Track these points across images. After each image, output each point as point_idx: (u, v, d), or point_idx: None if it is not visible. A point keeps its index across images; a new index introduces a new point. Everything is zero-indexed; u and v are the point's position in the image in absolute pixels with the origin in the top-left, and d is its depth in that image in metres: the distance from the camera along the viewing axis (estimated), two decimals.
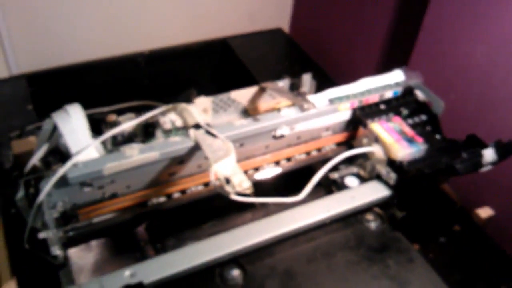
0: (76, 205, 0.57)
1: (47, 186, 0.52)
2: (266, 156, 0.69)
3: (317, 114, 0.67)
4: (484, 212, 0.77)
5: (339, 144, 0.75)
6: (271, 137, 0.67)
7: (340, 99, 0.70)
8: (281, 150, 0.70)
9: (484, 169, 0.61)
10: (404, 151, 0.65)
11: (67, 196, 0.55)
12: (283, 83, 0.78)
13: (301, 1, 1.22)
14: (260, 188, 0.57)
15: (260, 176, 0.68)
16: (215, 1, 1.16)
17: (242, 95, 0.75)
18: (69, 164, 0.53)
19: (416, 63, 0.89)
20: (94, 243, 0.60)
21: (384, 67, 0.83)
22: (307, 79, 0.80)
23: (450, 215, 0.75)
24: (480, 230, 0.73)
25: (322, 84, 0.78)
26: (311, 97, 0.69)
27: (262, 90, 0.75)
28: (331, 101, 0.69)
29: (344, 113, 0.71)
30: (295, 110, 0.67)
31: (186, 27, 1.12)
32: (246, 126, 0.63)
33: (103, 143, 0.60)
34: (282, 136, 0.67)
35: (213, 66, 1.11)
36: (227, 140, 0.58)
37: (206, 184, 0.65)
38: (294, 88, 0.79)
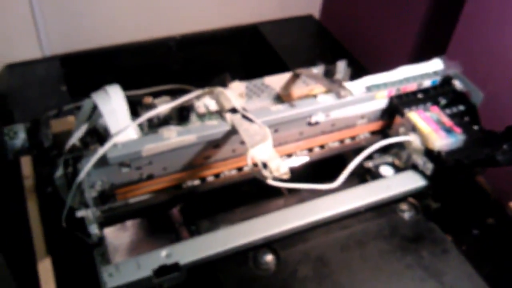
0: (114, 185, 0.57)
1: (88, 165, 0.52)
2: (300, 143, 0.68)
3: (353, 101, 0.66)
4: None
5: (373, 133, 0.74)
6: (306, 124, 0.66)
7: (377, 86, 0.68)
8: (315, 137, 0.69)
9: None
10: (442, 141, 0.63)
11: (105, 176, 0.56)
12: (317, 70, 0.77)
13: None
14: (293, 175, 0.56)
15: (293, 162, 0.68)
16: None
17: (276, 81, 0.74)
18: (109, 144, 0.53)
19: (454, 52, 0.87)
20: (129, 223, 0.61)
21: (419, 56, 0.81)
22: (341, 66, 0.79)
23: (484, 207, 0.73)
24: None
25: (355, 72, 0.77)
26: (348, 84, 0.68)
27: (296, 76, 0.74)
28: (368, 88, 0.68)
29: (380, 101, 0.70)
30: (332, 97, 0.66)
31: (216, 12, 1.11)
32: (282, 111, 0.62)
33: (139, 125, 0.60)
34: (317, 123, 0.67)
35: (244, 52, 1.11)
36: (264, 125, 0.58)
37: (240, 169, 0.65)
38: (329, 75, 0.78)
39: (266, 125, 0.59)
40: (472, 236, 0.71)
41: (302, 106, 0.63)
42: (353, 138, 0.73)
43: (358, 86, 0.68)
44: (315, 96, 0.67)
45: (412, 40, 0.99)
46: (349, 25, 1.14)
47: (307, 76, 0.72)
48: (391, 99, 0.70)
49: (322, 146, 0.71)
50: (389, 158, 0.70)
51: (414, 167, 0.67)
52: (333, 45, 1.07)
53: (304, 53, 1.04)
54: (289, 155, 0.69)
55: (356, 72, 0.76)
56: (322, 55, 1.03)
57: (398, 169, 0.69)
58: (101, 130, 0.59)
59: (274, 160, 0.54)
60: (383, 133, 0.73)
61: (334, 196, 0.62)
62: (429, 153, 0.64)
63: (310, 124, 0.66)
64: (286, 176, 0.53)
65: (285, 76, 0.74)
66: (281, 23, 1.11)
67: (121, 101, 0.56)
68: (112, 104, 0.57)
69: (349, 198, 0.62)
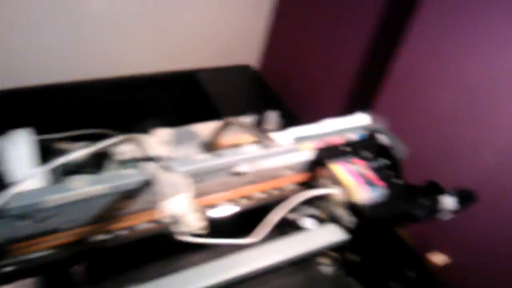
0: (10, 239, 0.51)
1: None
2: (225, 193, 0.66)
3: (279, 152, 0.66)
4: (440, 258, 0.77)
5: (300, 184, 0.73)
6: (231, 174, 0.64)
7: (304, 138, 0.69)
8: (241, 187, 0.67)
9: (446, 217, 0.60)
10: (364, 195, 0.64)
11: (1, 228, 0.50)
12: (248, 119, 0.77)
13: (273, 39, 1.24)
14: (215, 226, 0.53)
15: (216, 214, 0.65)
16: (186, 33, 1.16)
17: (205, 129, 0.73)
18: (5, 194, 0.48)
19: (381, 107, 0.90)
20: (27, 282, 0.55)
21: (348, 110, 0.83)
22: (272, 117, 0.79)
23: (403, 259, 0.74)
24: (435, 277, 0.72)
25: (287, 123, 0.77)
26: (275, 135, 0.67)
27: (225, 125, 0.73)
28: (296, 139, 0.68)
29: (307, 153, 0.70)
30: (257, 147, 0.65)
31: (153, 56, 1.11)
32: (206, 161, 0.60)
33: (53, 171, 0.55)
34: (242, 174, 0.65)
35: (178, 98, 1.09)
36: (184, 175, 0.56)
37: (156, 222, 0.61)
38: (259, 124, 0.78)
39: (189, 175, 0.56)
40: None
41: (226, 156, 0.62)
42: (279, 188, 0.71)
43: (285, 137, 0.68)
44: (241, 146, 0.66)
45: (343, 95, 1.03)
46: (286, 78, 1.18)
47: (236, 125, 0.71)
48: (318, 151, 0.70)
49: (248, 197, 0.69)
50: (312, 210, 0.69)
51: (336, 220, 0.66)
52: (268, 95, 1.09)
53: (239, 102, 1.04)
54: (213, 206, 0.66)
55: (289, 123, 0.77)
56: (257, 105, 1.04)
57: (321, 221, 0.68)
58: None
59: (191, 214, 0.51)
60: (308, 184, 0.73)
61: (253, 250, 0.59)
62: (351, 207, 0.64)
63: (235, 174, 0.65)
64: (202, 231, 0.51)
65: (214, 124, 0.73)
66: (219, 71, 1.11)
67: (24, 147, 0.52)
68: (17, 149, 0.52)
69: (268, 253, 0.60)
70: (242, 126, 0.71)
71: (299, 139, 0.68)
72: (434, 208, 0.59)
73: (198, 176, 0.61)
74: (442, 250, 0.79)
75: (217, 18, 1.14)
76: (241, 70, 1.14)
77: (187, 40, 1.15)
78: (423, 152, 0.85)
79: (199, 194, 0.63)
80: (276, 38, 1.20)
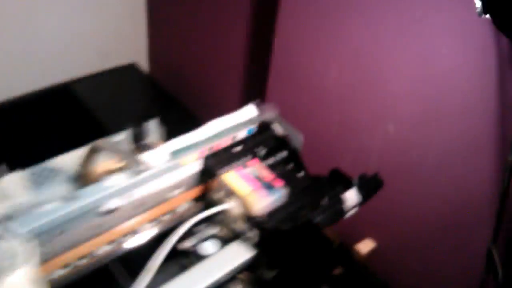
0: None
1: None
2: (99, 238, 0.55)
3: (155, 175, 0.56)
4: (365, 245, 0.71)
5: (196, 200, 0.64)
6: (100, 214, 0.53)
7: (184, 150, 0.59)
8: (119, 225, 0.57)
9: (350, 213, 0.53)
10: (261, 202, 0.55)
11: None
12: (122, 136, 0.65)
13: (155, 34, 1.10)
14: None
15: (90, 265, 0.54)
16: (57, 43, 1.00)
17: (70, 160, 0.61)
18: None
19: (272, 94, 0.82)
20: None
21: (248, 99, 0.74)
22: (152, 127, 0.68)
23: (328, 258, 0.67)
24: (363, 268, 0.66)
25: (186, 123, 0.67)
26: (149, 154, 0.57)
27: (92, 151, 0.62)
28: (173, 154, 0.58)
29: (192, 166, 0.60)
30: (126, 175, 0.54)
31: (21, 75, 0.95)
32: (58, 210, 0.49)
33: None
34: (114, 210, 0.54)
35: (58, 118, 0.95)
36: (27, 237, 0.44)
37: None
38: (138, 139, 0.67)
39: (39, 231, 0.45)
40: None
41: (84, 197, 0.51)
42: (173, 212, 0.62)
43: (162, 154, 0.57)
44: (108, 175, 0.55)
45: (238, 85, 0.93)
46: (178, 74, 1.06)
47: (104, 149, 0.60)
48: (204, 160, 0.60)
49: (133, 232, 0.58)
50: (213, 230, 0.60)
51: (239, 236, 0.58)
52: (161, 95, 0.97)
53: (128, 109, 0.92)
54: (88, 255, 0.55)
55: (188, 123, 0.66)
56: (149, 109, 0.92)
57: (224, 241, 0.59)
58: None
59: None
60: (204, 199, 0.63)
61: None
62: (250, 219, 0.55)
63: (105, 213, 0.54)
64: None
65: (79, 153, 0.61)
66: (97, 78, 0.97)
67: None
68: None
69: None
70: (109, 149, 0.59)
71: (178, 153, 0.58)
72: (336, 210, 0.52)
73: (55, 229, 0.50)
74: (369, 235, 0.74)
75: (88, 17, 0.99)
76: (125, 72, 1.01)
77: (57, 48, 0.99)
78: (321, 134, 0.77)
79: (65, 248, 0.52)
80: (159, 31, 1.07)
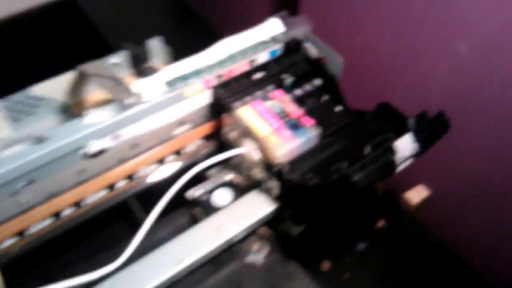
0: None
1: None
2: (84, 186, 0.46)
3: (149, 110, 0.44)
4: (417, 194, 0.58)
5: (206, 138, 0.52)
6: (83, 157, 0.43)
7: (187, 78, 0.46)
8: (109, 171, 0.47)
9: (402, 166, 0.40)
10: (283, 147, 0.43)
11: None
12: (118, 58, 0.53)
13: None
14: None
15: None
16: None
17: (54, 88, 0.50)
18: None
19: (307, 4, 0.64)
20: None
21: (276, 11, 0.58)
22: (155, 47, 0.56)
23: (371, 208, 0.55)
24: (412, 221, 0.54)
25: (207, 40, 0.54)
26: (142, 83, 0.45)
27: (82, 77, 0.51)
28: (173, 83, 0.45)
29: (200, 97, 0.48)
30: (111, 110, 0.43)
31: None
32: (25, 155, 0.39)
33: None
34: (101, 152, 0.44)
35: (66, 35, 0.83)
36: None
37: None
38: (138, 62, 0.55)
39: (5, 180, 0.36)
40: (357, 253, 0.53)
41: (60, 137, 0.40)
42: (178, 153, 0.51)
43: (157, 83, 0.45)
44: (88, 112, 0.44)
45: None
46: None
47: (91, 75, 0.49)
48: (215, 90, 0.48)
49: (129, 177, 0.49)
50: (227, 176, 0.49)
51: (259, 185, 0.47)
52: (178, 9, 0.82)
53: (137, 24, 0.79)
54: (74, 204, 0.46)
55: (210, 40, 0.53)
56: (163, 24, 0.78)
57: (240, 190, 0.48)
58: None
59: None
60: (217, 137, 0.52)
61: (136, 266, 0.41)
62: (269, 167, 0.44)
63: (90, 156, 0.44)
64: None
65: (65, 79, 0.50)
66: None
67: None
68: None
69: (159, 263, 0.41)
70: (96, 76, 0.48)
71: (179, 81, 0.45)
72: (384, 164, 0.38)
73: (24, 177, 0.40)
74: (423, 181, 0.60)
75: None
76: None
77: None
78: (368, 58, 0.60)
79: (40, 201, 0.43)
80: None
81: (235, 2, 0.79)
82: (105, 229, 0.57)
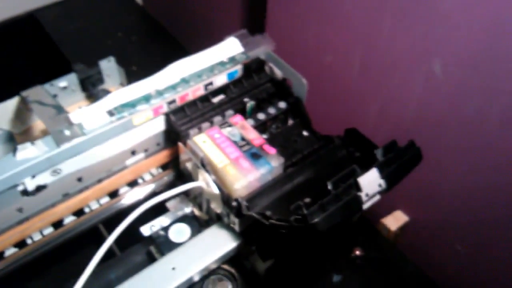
0: None
1: None
2: (23, 226, 0.41)
3: (90, 142, 0.40)
4: (395, 220, 0.54)
5: (163, 167, 0.48)
6: (20, 194, 0.39)
7: (133, 105, 0.42)
8: (59, 205, 0.42)
9: (370, 203, 0.35)
10: (242, 180, 0.39)
11: None
12: (66, 82, 0.49)
13: None
14: None
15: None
16: None
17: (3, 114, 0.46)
18: None
19: (272, 22, 0.60)
20: None
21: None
22: (109, 68, 0.52)
23: (345, 236, 0.51)
24: (390, 249, 0.51)
25: (177, 58, 0.50)
26: (81, 112, 0.40)
27: (25, 104, 0.46)
28: (117, 111, 0.41)
29: (152, 124, 0.44)
30: (48, 143, 0.38)
31: None
32: None
33: None
34: (40, 189, 0.40)
35: (27, 52, 0.79)
36: None
37: None
38: (88, 84, 0.51)
39: None
40: (331, 287, 0.49)
41: None
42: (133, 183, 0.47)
43: (100, 111, 0.41)
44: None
45: (239, 13, 0.71)
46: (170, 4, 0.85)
47: (33, 103, 0.44)
48: (168, 117, 0.44)
49: (77, 213, 0.44)
50: (186, 207, 0.45)
51: (220, 218, 0.42)
52: (144, 23, 0.78)
53: (101, 41, 0.75)
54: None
55: (178, 58, 0.49)
56: (131, 41, 0.75)
57: (201, 224, 0.44)
58: None
59: None
60: (175, 166, 0.48)
61: None
62: (228, 202, 0.39)
63: (28, 194, 0.39)
64: None
65: (8, 105, 0.46)
66: (66, 4, 0.80)
67: None
68: None
69: None
70: (38, 104, 0.43)
71: (127, 108, 0.41)
72: (348, 203, 0.33)
73: None
74: (401, 207, 0.56)
75: None
76: None
77: None
78: (337, 79, 0.55)
79: None
80: None
81: (204, 20, 0.75)
82: (76, 255, 0.52)
